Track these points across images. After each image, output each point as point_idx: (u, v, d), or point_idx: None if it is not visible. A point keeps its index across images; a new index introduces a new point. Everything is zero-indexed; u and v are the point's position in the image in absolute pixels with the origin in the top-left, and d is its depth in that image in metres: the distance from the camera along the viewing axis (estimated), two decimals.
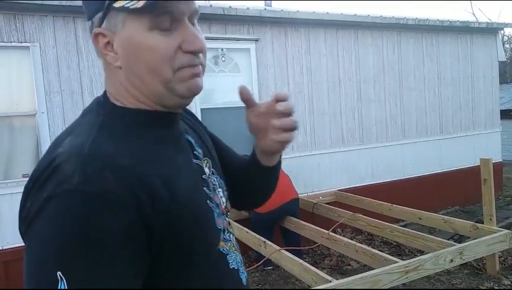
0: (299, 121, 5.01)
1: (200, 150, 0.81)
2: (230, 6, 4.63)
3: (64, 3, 3.69)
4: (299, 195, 4.49)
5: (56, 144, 0.65)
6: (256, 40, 4.79)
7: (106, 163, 0.59)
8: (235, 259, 0.79)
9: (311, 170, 5.12)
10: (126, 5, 0.62)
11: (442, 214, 5.03)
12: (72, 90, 3.90)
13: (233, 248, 0.80)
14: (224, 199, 0.83)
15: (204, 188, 0.76)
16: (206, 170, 0.80)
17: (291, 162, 4.86)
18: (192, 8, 0.68)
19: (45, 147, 3.75)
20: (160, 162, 0.67)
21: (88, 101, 3.93)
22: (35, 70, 3.75)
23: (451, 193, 5.99)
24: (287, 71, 4.99)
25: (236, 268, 0.79)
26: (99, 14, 0.66)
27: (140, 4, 0.61)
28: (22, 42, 3.70)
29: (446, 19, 6.02)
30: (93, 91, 3.97)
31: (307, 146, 5.10)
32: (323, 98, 5.21)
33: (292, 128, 0.78)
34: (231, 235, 0.82)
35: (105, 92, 0.73)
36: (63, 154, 0.60)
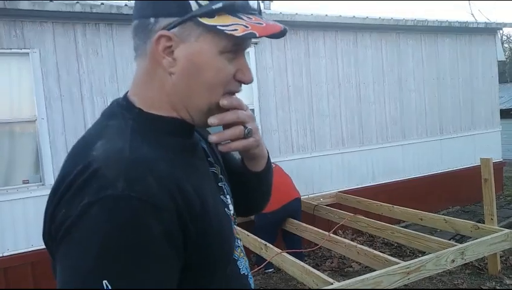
0: (300, 122, 5.03)
1: (212, 157, 0.83)
2: None
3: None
4: (300, 197, 4.49)
5: (84, 147, 0.63)
6: (256, 43, 4.80)
7: (149, 168, 0.59)
8: (244, 265, 0.81)
9: (312, 171, 5.13)
10: (220, 27, 0.64)
11: (443, 215, 5.03)
12: (71, 96, 3.91)
13: (242, 254, 0.82)
14: (232, 206, 0.84)
15: (222, 196, 0.78)
16: (221, 176, 0.82)
17: (291, 164, 4.86)
18: (250, 44, 0.74)
19: (46, 153, 3.77)
20: (189, 170, 0.68)
21: (88, 107, 3.97)
22: (35, 76, 3.76)
23: (452, 193, 5.99)
24: (286, 74, 5.00)
25: (246, 274, 0.81)
26: (174, 19, 0.65)
27: (238, 34, 0.63)
28: (21, 49, 3.72)
29: (445, 19, 6.04)
30: (93, 97, 3.98)
31: (307, 148, 5.11)
32: (323, 100, 5.22)
33: (240, 137, 0.73)
34: (239, 241, 0.84)
35: (126, 96, 0.72)
36: (100, 158, 0.59)
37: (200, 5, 0.65)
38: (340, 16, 5.22)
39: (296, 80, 5.05)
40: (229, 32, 0.63)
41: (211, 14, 0.64)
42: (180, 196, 0.61)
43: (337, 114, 5.31)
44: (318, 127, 5.18)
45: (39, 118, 3.78)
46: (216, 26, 0.64)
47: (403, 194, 5.39)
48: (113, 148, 0.61)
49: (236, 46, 0.68)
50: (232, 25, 0.64)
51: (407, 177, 5.78)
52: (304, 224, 4.01)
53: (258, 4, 0.71)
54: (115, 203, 0.54)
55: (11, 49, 3.68)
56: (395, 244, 4.55)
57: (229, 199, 0.81)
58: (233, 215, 0.83)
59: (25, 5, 3.58)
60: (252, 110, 4.79)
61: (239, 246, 0.82)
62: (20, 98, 3.78)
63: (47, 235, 0.60)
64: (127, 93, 0.73)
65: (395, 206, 4.34)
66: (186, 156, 0.70)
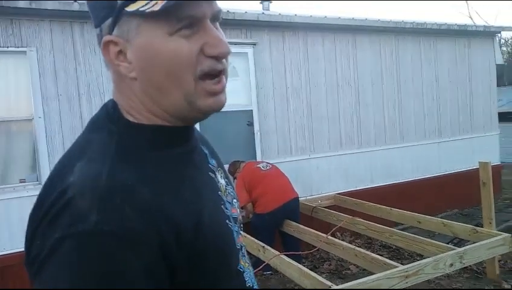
0: (298, 124, 5.02)
1: (213, 161, 0.77)
2: (228, 10, 4.63)
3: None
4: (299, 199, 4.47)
5: (64, 167, 0.58)
6: (254, 44, 4.79)
7: (126, 197, 0.53)
8: (250, 276, 0.75)
9: (310, 173, 5.11)
10: (141, 9, 0.56)
11: (442, 217, 5.02)
12: (69, 95, 3.89)
13: (247, 264, 0.76)
14: (238, 211, 0.78)
15: (222, 207, 0.71)
16: (222, 181, 0.76)
17: (290, 166, 4.84)
18: (214, 8, 0.62)
19: (43, 152, 3.74)
20: (182, 187, 0.61)
21: (85, 106, 3.94)
22: (32, 75, 3.73)
23: (450, 196, 5.99)
24: (285, 75, 4.99)
25: (251, 285, 0.75)
26: (109, 21, 0.60)
27: (158, 7, 0.55)
28: (18, 47, 3.69)
29: (444, 22, 6.04)
30: (90, 96, 3.96)
31: (305, 150, 5.09)
32: (321, 102, 5.20)
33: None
34: (244, 249, 0.77)
35: (115, 104, 0.65)
36: (76, 185, 0.53)
37: None
38: (339, 17, 5.22)
39: (294, 82, 5.04)
40: (148, 10, 0.55)
41: None
42: (165, 224, 0.54)
43: (335, 116, 5.30)
44: (317, 128, 5.16)
45: (36, 117, 3.75)
46: (138, 9, 0.56)
47: (401, 197, 5.38)
48: (90, 173, 0.55)
49: (186, 19, 0.58)
50: (152, 0, 0.56)
51: (405, 179, 5.77)
52: (302, 226, 3.99)
53: None
54: (86, 239, 0.49)
55: (8, 47, 3.65)
56: (393, 247, 4.54)
57: (230, 207, 0.74)
58: (238, 223, 0.76)
59: (22, 4, 3.55)
60: (251, 111, 4.77)
61: (244, 256, 0.76)
62: (18, 96, 3.75)
63: (26, 262, 0.56)
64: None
65: (393, 208, 4.32)
66: (180, 168, 0.64)
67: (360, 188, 5.41)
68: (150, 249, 0.52)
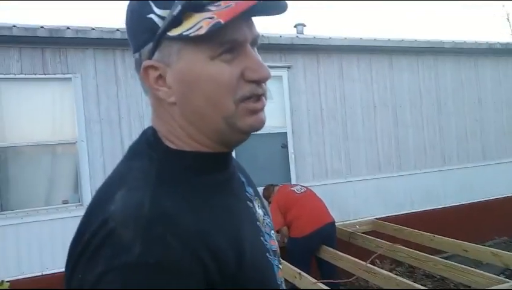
0: (334, 146, 4.93)
1: (251, 190, 0.75)
2: (263, 35, 4.70)
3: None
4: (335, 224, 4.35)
5: (105, 196, 0.57)
6: (289, 67, 4.81)
7: (170, 227, 0.52)
8: None
9: (347, 197, 4.98)
10: (185, 33, 0.55)
11: (489, 246, 4.71)
12: (110, 119, 4.03)
13: None
14: (275, 245, 0.74)
15: (262, 238, 0.68)
16: (260, 211, 0.73)
17: (325, 189, 4.74)
18: (254, 33, 0.61)
19: (84, 174, 3.86)
20: (223, 216, 0.60)
21: (125, 129, 4.06)
22: (77, 100, 3.91)
23: (498, 222, 5.63)
24: (319, 97, 4.95)
25: None
26: (149, 46, 0.59)
27: (203, 31, 0.54)
28: (65, 74, 3.89)
29: (484, 41, 5.84)
30: (130, 120, 4.08)
31: (342, 173, 4.98)
32: (357, 124, 5.11)
33: None
34: (283, 284, 0.74)
35: (154, 131, 0.64)
36: (117, 214, 0.52)
37: (163, 18, 0.57)
38: (375, 39, 5.16)
39: (329, 103, 4.99)
40: (194, 34, 0.55)
41: (176, 22, 0.56)
42: (210, 256, 0.53)
43: (372, 138, 5.18)
44: (353, 151, 5.05)
45: (79, 140, 3.90)
46: (182, 33, 0.55)
47: (444, 223, 5.11)
48: (132, 203, 0.54)
49: (227, 44, 0.57)
50: (197, 24, 0.55)
51: (448, 204, 5.50)
52: (340, 253, 3.85)
53: None
54: (130, 272, 0.48)
55: (55, 74, 3.85)
56: (438, 277, 4.29)
57: (269, 239, 0.71)
58: (277, 256, 0.73)
59: (69, 33, 3.76)
60: (285, 133, 4.75)
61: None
62: (62, 120, 3.93)
63: None
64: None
65: (436, 235, 4.10)
66: (220, 196, 0.62)
67: (400, 213, 5.19)
68: (195, 281, 0.51)
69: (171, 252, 0.50)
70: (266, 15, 0.62)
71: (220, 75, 0.58)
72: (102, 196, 0.58)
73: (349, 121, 5.07)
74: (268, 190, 4.33)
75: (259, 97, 0.63)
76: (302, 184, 4.50)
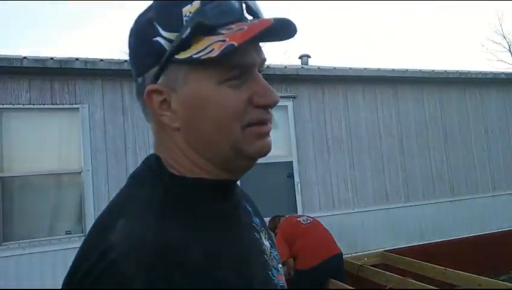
0: (340, 176, 4.88)
1: (257, 220, 0.72)
2: (268, 66, 4.76)
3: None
4: (343, 256, 4.23)
5: (105, 225, 0.54)
6: (294, 98, 4.84)
7: (175, 260, 0.49)
8: None
9: (355, 228, 4.87)
10: (195, 56, 0.53)
11: (504, 280, 4.54)
12: (116, 149, 4.04)
13: None
14: (283, 279, 0.70)
15: (269, 273, 0.65)
16: (267, 243, 0.70)
17: (332, 220, 4.65)
18: (262, 56, 0.60)
19: (89, 204, 3.83)
20: (231, 247, 0.57)
21: (131, 158, 4.07)
22: (83, 130, 3.94)
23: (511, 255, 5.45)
24: (325, 126, 4.96)
25: None
26: (154, 69, 0.58)
27: (215, 54, 0.52)
28: (72, 104, 3.94)
29: (489, 71, 5.89)
30: (136, 149, 4.09)
31: (349, 203, 4.90)
32: (364, 153, 5.08)
33: None
34: None
35: (157, 158, 0.62)
36: (119, 245, 0.49)
37: (170, 41, 0.55)
38: (379, 69, 5.22)
39: (335, 132, 4.98)
40: (205, 57, 0.53)
41: (185, 45, 0.54)
42: None
43: (379, 168, 5.13)
44: (360, 181, 5.00)
45: (85, 170, 3.89)
46: (191, 56, 0.54)
47: (456, 255, 4.96)
48: (134, 233, 0.51)
49: (236, 68, 0.56)
50: (208, 46, 0.53)
51: (459, 236, 5.36)
52: (348, 286, 3.73)
53: (240, 4, 0.57)
54: None
55: (63, 104, 3.90)
56: None
57: (276, 274, 0.67)
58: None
59: (78, 64, 3.84)
60: (291, 162, 4.72)
61: None
62: (69, 150, 3.95)
63: None
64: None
65: (447, 268, 3.97)
66: (227, 226, 0.60)
67: (409, 244, 5.06)
68: None
69: (175, 288, 0.47)
70: (277, 40, 0.61)
71: (228, 101, 0.56)
72: (102, 225, 0.55)
73: (355, 150, 5.04)
74: (274, 221, 4.25)
75: (265, 122, 0.61)
76: (308, 215, 4.43)
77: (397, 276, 3.98)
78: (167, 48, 0.56)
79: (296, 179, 4.71)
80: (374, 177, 5.08)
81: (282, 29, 0.57)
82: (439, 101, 5.62)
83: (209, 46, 0.53)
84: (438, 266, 4.08)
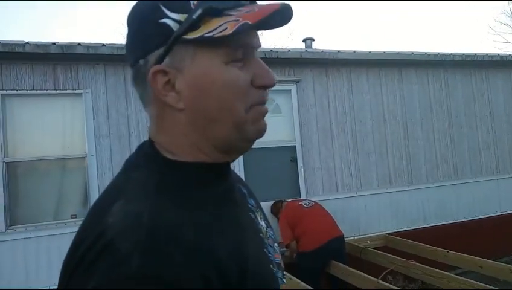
0: (344, 160, 4.88)
1: (252, 201, 0.72)
2: (271, 50, 4.72)
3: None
4: (346, 239, 4.27)
5: (102, 208, 0.55)
6: (297, 81, 4.81)
7: (171, 238, 0.49)
8: None
9: (358, 212, 4.90)
10: (207, 35, 0.54)
11: (505, 262, 4.57)
12: (119, 134, 4.05)
13: None
14: (279, 258, 0.72)
15: (265, 250, 0.66)
16: (262, 223, 0.71)
17: (336, 204, 4.68)
18: (259, 42, 0.63)
19: (93, 188, 3.87)
20: (226, 228, 0.58)
21: (134, 143, 4.08)
22: (87, 115, 3.95)
23: None
24: (329, 110, 4.93)
25: None
26: (160, 50, 0.58)
27: (229, 32, 0.53)
28: (75, 89, 3.94)
29: (496, 53, 5.79)
30: (139, 135, 4.10)
31: (352, 187, 4.91)
32: (367, 137, 5.06)
33: None
34: None
35: (152, 143, 0.63)
36: (115, 226, 0.50)
37: (180, 22, 0.56)
38: (384, 52, 5.15)
39: (339, 117, 4.96)
40: (218, 35, 0.54)
41: (195, 25, 0.55)
42: (212, 268, 0.50)
43: (383, 151, 5.11)
44: (363, 165, 4.99)
45: (89, 155, 3.92)
46: (203, 35, 0.54)
47: (458, 238, 4.98)
48: (131, 213, 0.51)
49: (242, 48, 0.58)
50: (220, 26, 0.54)
51: (462, 219, 5.37)
52: (350, 268, 3.77)
53: None
54: (126, 284, 0.45)
55: (66, 90, 3.91)
56: None
57: (272, 252, 0.69)
58: (281, 270, 0.71)
59: (80, 50, 3.82)
60: (294, 147, 4.72)
61: None
62: (73, 135, 3.97)
63: None
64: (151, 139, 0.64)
65: (450, 251, 4.00)
66: (222, 208, 0.60)
67: (412, 227, 5.09)
68: None
69: (172, 266, 0.47)
70: (275, 27, 0.61)
71: (235, 80, 0.58)
72: (99, 208, 0.56)
73: (359, 134, 5.02)
74: (277, 206, 4.29)
75: (265, 103, 0.64)
76: (311, 199, 4.45)
77: (399, 258, 4.02)
78: (174, 29, 0.56)
79: (300, 163, 4.72)
80: (378, 161, 5.07)
81: (284, 15, 0.58)
82: (444, 84, 5.56)
83: (222, 26, 0.54)
84: (440, 249, 4.11)
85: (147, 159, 0.62)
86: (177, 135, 0.61)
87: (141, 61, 0.60)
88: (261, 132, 0.63)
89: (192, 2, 0.56)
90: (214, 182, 0.62)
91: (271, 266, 0.65)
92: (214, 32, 0.54)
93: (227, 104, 0.58)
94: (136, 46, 0.61)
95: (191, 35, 0.55)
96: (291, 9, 0.57)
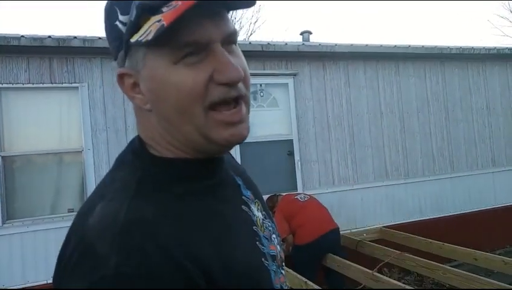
0: (341, 153, 4.90)
1: (248, 192, 0.71)
2: (268, 43, 4.71)
3: None
4: (342, 232, 4.30)
5: (87, 209, 0.55)
6: (295, 75, 4.80)
7: (146, 233, 0.50)
8: None
9: (354, 205, 4.92)
10: (139, 39, 0.52)
11: (500, 254, 4.62)
12: (116, 128, 4.05)
13: None
14: (279, 248, 0.71)
15: (257, 243, 0.65)
16: (259, 214, 0.70)
17: (332, 197, 4.70)
18: (225, 31, 0.57)
19: (90, 182, 3.87)
20: (210, 224, 0.57)
21: (131, 137, 4.09)
22: (83, 108, 3.94)
23: (509, 230, 5.52)
24: (325, 104, 4.94)
25: None
26: (121, 53, 0.58)
27: (150, 36, 0.50)
28: (72, 83, 3.92)
29: (493, 46, 5.79)
30: (136, 128, 4.09)
31: (348, 180, 4.94)
32: (364, 131, 5.07)
33: None
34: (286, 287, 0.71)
35: (140, 139, 0.63)
36: (94, 227, 0.51)
37: (124, 24, 0.55)
38: (381, 45, 5.14)
39: (336, 110, 4.97)
40: (144, 40, 0.51)
41: (135, 27, 0.53)
42: (192, 263, 0.50)
43: (379, 145, 5.13)
44: (360, 158, 5.01)
45: (85, 149, 3.92)
46: (138, 40, 0.52)
47: (453, 231, 5.03)
48: (108, 213, 0.52)
49: (188, 46, 0.53)
50: (148, 28, 0.51)
51: (457, 212, 5.41)
52: (346, 261, 3.80)
53: None
54: (108, 285, 0.46)
55: (62, 83, 3.89)
56: (447, 286, 4.20)
57: (267, 244, 0.67)
58: (280, 258, 0.70)
59: (76, 43, 3.80)
60: (291, 140, 4.73)
61: None
62: (69, 129, 3.96)
63: None
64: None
65: (445, 243, 4.04)
66: (206, 204, 0.59)
67: (408, 220, 5.12)
68: (177, 288, 0.48)
69: (150, 260, 0.47)
70: (231, 9, 0.59)
71: (184, 81, 0.54)
72: (86, 209, 0.56)
73: (356, 128, 5.04)
74: (272, 200, 4.30)
75: (237, 105, 0.58)
76: (307, 192, 4.47)
77: (395, 251, 4.05)
78: (124, 32, 0.56)
79: (297, 156, 4.73)
80: (374, 154, 5.09)
81: (205, 7, 0.53)
82: (441, 78, 5.56)
83: (148, 28, 0.52)
84: (435, 241, 4.15)
85: (134, 155, 0.62)
86: (154, 134, 0.61)
87: (114, 63, 0.62)
88: (230, 141, 0.58)
89: (133, 1, 0.53)
90: (196, 178, 0.61)
91: (263, 259, 0.64)
92: (142, 37, 0.52)
93: (180, 107, 0.55)
94: (110, 47, 0.62)
95: (133, 39, 0.54)
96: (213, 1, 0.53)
